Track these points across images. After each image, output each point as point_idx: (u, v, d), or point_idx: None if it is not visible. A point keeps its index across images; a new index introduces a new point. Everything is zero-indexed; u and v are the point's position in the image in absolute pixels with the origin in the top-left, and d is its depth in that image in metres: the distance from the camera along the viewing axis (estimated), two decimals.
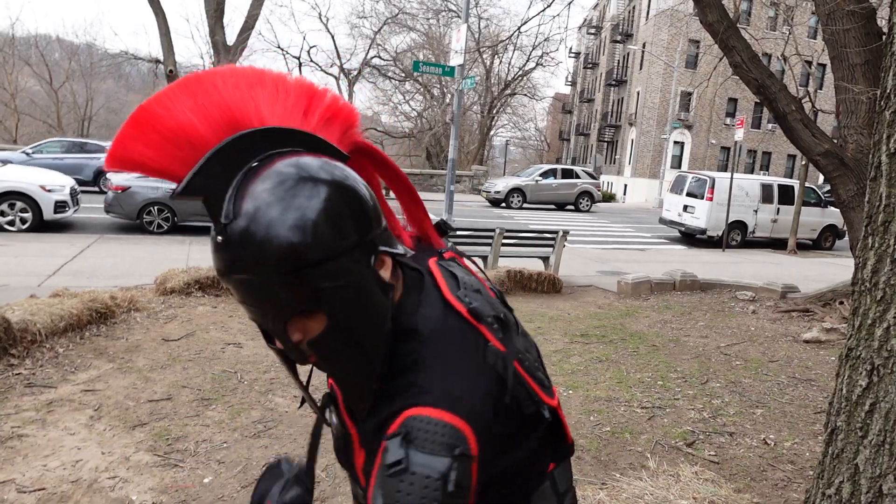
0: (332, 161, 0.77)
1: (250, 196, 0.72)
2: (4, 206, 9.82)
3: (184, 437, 3.30)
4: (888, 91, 1.42)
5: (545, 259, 8.72)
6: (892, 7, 1.45)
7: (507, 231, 8.41)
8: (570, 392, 4.35)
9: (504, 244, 8.34)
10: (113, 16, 74.61)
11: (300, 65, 35.73)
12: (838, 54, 5.18)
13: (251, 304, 0.76)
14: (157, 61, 29.36)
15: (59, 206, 10.21)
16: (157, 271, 6.60)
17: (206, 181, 0.74)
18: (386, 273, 0.80)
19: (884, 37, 1.44)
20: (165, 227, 10.91)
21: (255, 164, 0.75)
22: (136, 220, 10.80)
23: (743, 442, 3.72)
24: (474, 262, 1.01)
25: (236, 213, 0.71)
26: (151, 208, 10.83)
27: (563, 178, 22.97)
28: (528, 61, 38.71)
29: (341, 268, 0.74)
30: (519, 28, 10.66)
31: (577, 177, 23.31)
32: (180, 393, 3.86)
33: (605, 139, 45.57)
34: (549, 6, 6.79)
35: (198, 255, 8.72)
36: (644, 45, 36.98)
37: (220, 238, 0.73)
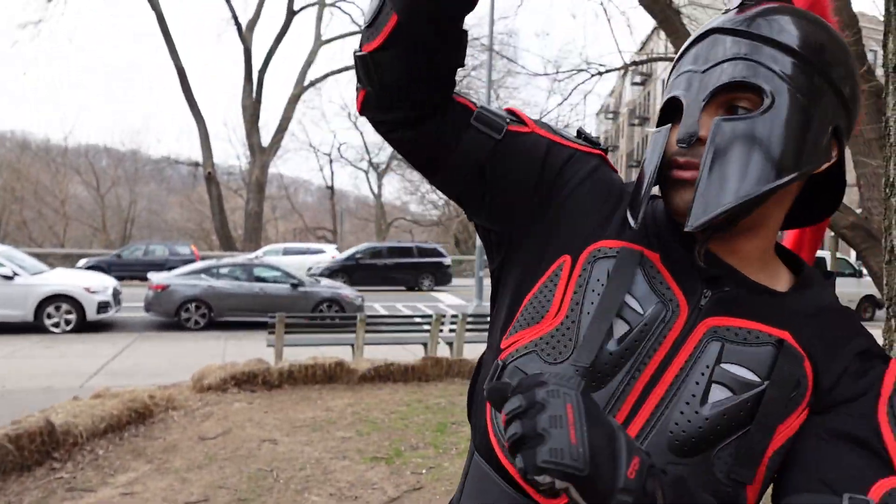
0: None
1: None
2: (51, 309, 10.21)
3: None
4: (891, 179, 1.49)
5: None
6: (884, 101, 1.54)
7: None
8: None
9: None
10: (157, 123, 79.84)
11: (331, 161, 37.38)
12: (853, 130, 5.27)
13: (739, 56, 0.69)
14: (197, 164, 31.06)
15: (102, 307, 10.58)
16: (195, 368, 6.72)
17: None
18: (833, 154, 0.72)
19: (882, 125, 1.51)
20: (202, 324, 11.16)
21: None
22: (174, 317, 11.09)
23: None
24: None
25: None
26: (189, 305, 11.14)
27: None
28: None
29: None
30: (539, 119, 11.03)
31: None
32: (217, 494, 3.86)
33: None
34: (566, 99, 7.13)
35: (233, 351, 8.86)
36: None
37: None
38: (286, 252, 21.18)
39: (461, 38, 0.77)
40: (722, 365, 0.66)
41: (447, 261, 20.86)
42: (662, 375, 0.68)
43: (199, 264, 12.46)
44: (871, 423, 0.63)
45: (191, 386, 6.34)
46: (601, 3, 7.91)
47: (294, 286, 11.78)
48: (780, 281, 0.75)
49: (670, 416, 0.66)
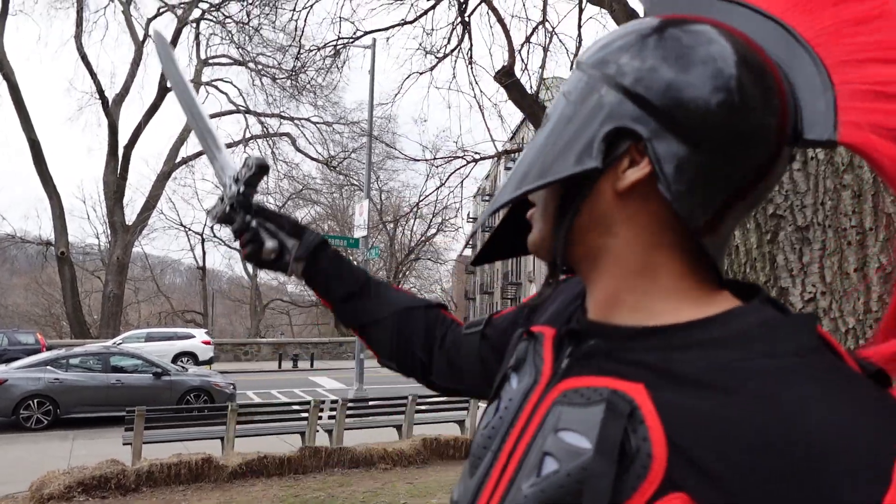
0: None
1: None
2: None
3: None
4: None
5: (461, 423, 8.59)
6: None
7: (420, 397, 8.31)
8: None
9: (418, 411, 8.20)
10: (2, 198, 72.82)
11: (203, 241, 35.74)
12: None
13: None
14: (48, 243, 28.41)
15: None
16: (35, 474, 5.89)
17: None
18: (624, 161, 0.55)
19: None
20: (45, 422, 9.90)
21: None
22: (11, 416, 9.76)
23: None
24: None
25: None
26: (30, 402, 9.87)
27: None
28: (429, 228, 40.84)
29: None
30: (417, 204, 11.41)
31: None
32: None
33: (509, 296, 47.51)
34: (443, 183, 7.44)
35: (82, 452, 7.89)
36: None
37: None
38: (149, 338, 19.61)
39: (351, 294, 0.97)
40: (558, 433, 0.52)
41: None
42: (515, 451, 0.56)
43: (44, 355, 11.23)
44: None
45: (28, 496, 5.55)
46: (474, 96, 8.52)
47: (157, 375, 10.86)
48: (679, 316, 0.53)
49: (515, 496, 0.54)
